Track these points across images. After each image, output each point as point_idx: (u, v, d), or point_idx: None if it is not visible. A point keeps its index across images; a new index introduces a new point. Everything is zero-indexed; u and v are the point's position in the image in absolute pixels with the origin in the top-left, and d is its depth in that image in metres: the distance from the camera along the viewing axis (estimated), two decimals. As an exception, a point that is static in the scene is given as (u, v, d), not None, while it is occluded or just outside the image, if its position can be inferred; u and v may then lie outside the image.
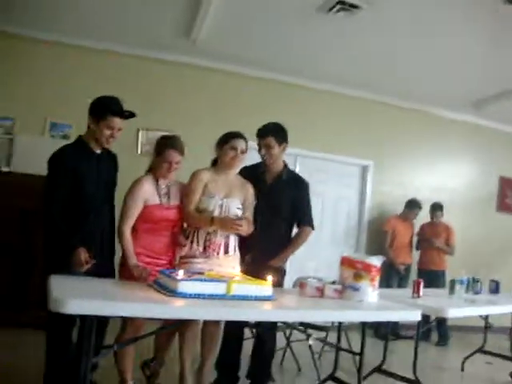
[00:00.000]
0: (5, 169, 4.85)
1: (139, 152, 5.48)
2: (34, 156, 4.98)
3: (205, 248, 3.09)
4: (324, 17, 4.34)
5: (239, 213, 3.16)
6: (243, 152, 3.19)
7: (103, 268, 2.88)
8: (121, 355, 2.83)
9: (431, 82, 5.75)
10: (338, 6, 4.12)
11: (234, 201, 3.16)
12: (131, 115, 2.93)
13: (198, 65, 5.70)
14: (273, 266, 3.31)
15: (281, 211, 3.44)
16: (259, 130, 3.47)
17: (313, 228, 3.56)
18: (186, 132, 5.44)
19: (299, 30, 4.71)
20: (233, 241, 3.16)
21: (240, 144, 3.18)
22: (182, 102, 5.68)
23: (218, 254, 3.09)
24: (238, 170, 3.34)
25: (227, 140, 3.20)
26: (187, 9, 4.45)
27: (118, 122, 2.87)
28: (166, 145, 3.05)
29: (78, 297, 2.00)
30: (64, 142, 4.92)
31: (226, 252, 3.12)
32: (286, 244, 3.49)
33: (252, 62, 5.67)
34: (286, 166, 3.56)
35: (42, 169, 4.55)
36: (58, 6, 4.60)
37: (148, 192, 3.01)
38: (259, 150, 3.48)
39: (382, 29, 4.52)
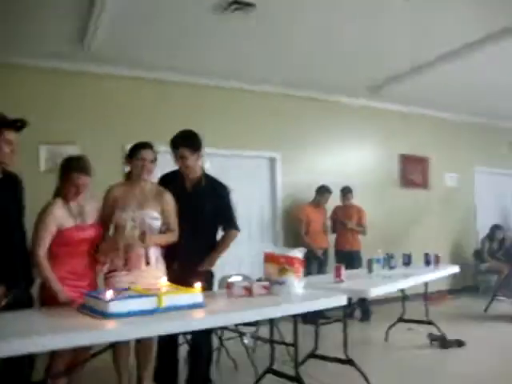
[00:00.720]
0: None
1: (42, 168, 5.20)
2: None
3: (126, 261, 3.06)
4: (221, 16, 4.36)
5: (155, 223, 3.15)
6: (152, 161, 3.20)
7: (20, 298, 2.73)
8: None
9: (328, 70, 5.93)
10: (234, 6, 4.16)
11: (148, 212, 3.14)
12: (23, 124, 2.76)
13: (94, 72, 5.48)
14: (201, 271, 3.33)
15: (203, 217, 3.44)
16: (171, 142, 3.44)
17: (238, 230, 3.64)
18: (90, 141, 5.32)
19: (196, 30, 4.68)
20: (153, 252, 3.13)
21: (147, 154, 3.18)
22: (82, 111, 5.44)
23: (138, 266, 3.06)
24: (152, 179, 3.31)
25: (134, 152, 3.19)
26: (80, 16, 4.28)
27: (14, 135, 2.72)
28: (72, 168, 2.95)
29: (3, 337, 1.88)
30: None
31: (148, 263, 3.10)
32: (212, 248, 3.52)
33: (151, 66, 5.57)
34: (203, 172, 3.56)
35: None
36: None
37: (60, 217, 2.90)
38: (175, 161, 3.45)
39: (276, 24, 4.61)
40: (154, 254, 3.15)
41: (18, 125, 2.75)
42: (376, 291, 3.48)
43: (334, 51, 5.33)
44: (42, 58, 5.18)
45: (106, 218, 3.16)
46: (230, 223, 3.58)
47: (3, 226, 2.71)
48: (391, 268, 4.58)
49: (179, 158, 3.40)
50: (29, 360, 2.04)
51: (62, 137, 5.23)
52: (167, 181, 3.46)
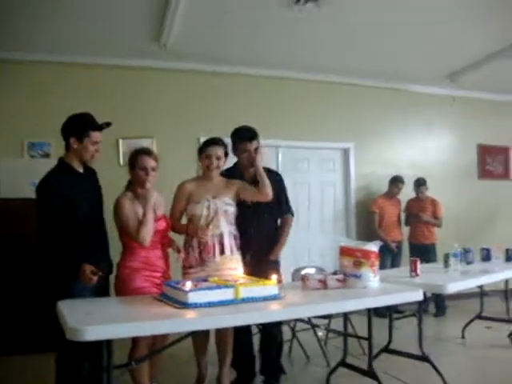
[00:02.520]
0: (-8, 196, 4.78)
1: (121, 163, 5.43)
2: (16, 179, 4.94)
3: (200, 252, 3.15)
4: (292, 8, 4.35)
5: (229, 209, 3.24)
6: (219, 158, 3.25)
7: (102, 285, 2.94)
8: (136, 371, 2.84)
9: (404, 59, 5.79)
10: (305, -3, 4.15)
11: (222, 199, 3.22)
12: (107, 125, 2.98)
13: (170, 68, 5.65)
14: (271, 262, 3.39)
15: (266, 207, 3.47)
16: (246, 134, 3.48)
17: (293, 215, 3.70)
18: (166, 135, 5.50)
19: (269, 23, 4.72)
20: (228, 241, 3.20)
21: (215, 151, 3.23)
22: (158, 106, 5.65)
23: (213, 255, 3.14)
24: (218, 174, 3.36)
25: (203, 148, 3.28)
26: (155, 14, 4.42)
27: (99, 136, 2.93)
28: (138, 153, 3.07)
29: (94, 323, 2.01)
30: (44, 161, 5.03)
31: (222, 253, 3.17)
32: (275, 236, 3.58)
33: (225, 60, 5.66)
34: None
35: (27, 191, 4.58)
36: (25, 25, 4.54)
37: (131, 209, 2.99)
38: (241, 152, 3.49)
39: (350, 14, 4.55)
40: (229, 243, 3.22)
41: (104, 126, 2.95)
42: (454, 287, 3.37)
43: (410, 39, 5.18)
44: (119, 56, 5.41)
45: (178, 211, 3.27)
46: (286, 209, 3.66)
47: (91, 212, 2.90)
48: (469, 263, 4.41)
49: (253, 149, 3.44)
50: (108, 345, 2.14)
51: (140, 131, 5.46)
52: (228, 176, 3.52)
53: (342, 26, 4.81)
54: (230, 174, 3.53)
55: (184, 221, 3.36)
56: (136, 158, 3.04)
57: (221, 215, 3.19)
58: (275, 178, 3.61)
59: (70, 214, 2.78)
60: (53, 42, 4.98)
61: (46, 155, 5.24)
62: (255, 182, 3.43)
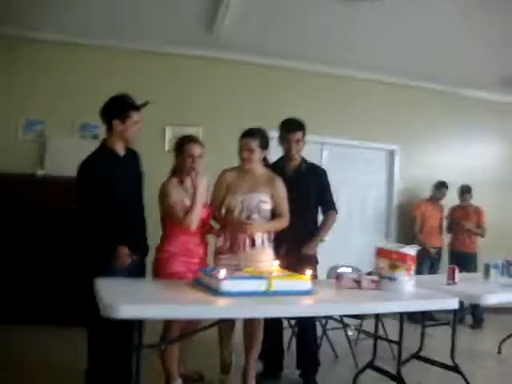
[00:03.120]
0: (40, 172, 4.95)
1: (167, 149, 5.53)
2: (66, 158, 5.09)
3: (231, 245, 3.19)
4: (347, 4, 4.31)
5: (263, 206, 3.21)
6: (251, 151, 3.20)
7: (138, 267, 3.00)
8: (166, 354, 2.90)
9: (457, 62, 5.67)
10: (362, -7, 4.10)
11: (256, 195, 3.20)
12: (145, 104, 3.00)
13: (222, 58, 5.72)
14: (307, 257, 3.39)
15: (306, 201, 3.52)
16: (290, 125, 3.52)
17: (336, 212, 3.68)
18: (213, 126, 5.57)
19: (323, 19, 4.70)
20: (259, 235, 3.20)
21: (247, 143, 3.21)
22: (207, 96, 5.73)
23: (243, 248, 3.16)
24: (259, 168, 3.33)
25: (239, 140, 3.25)
26: (208, 2, 4.46)
27: (140, 115, 2.98)
28: (185, 140, 3.13)
29: (129, 302, 2.07)
30: (94, 142, 5.06)
31: (253, 245, 3.18)
32: (315, 231, 3.59)
33: (276, 53, 5.65)
34: (302, 158, 3.64)
35: (74, 170, 4.73)
36: (82, 8, 4.67)
37: (175, 194, 3.06)
38: (283, 143, 3.52)
39: (405, 12, 4.47)
40: (260, 236, 3.21)
41: (142, 106, 2.99)
42: (492, 298, 3.28)
43: (462, 44, 5.06)
44: (171, 44, 5.50)
45: (217, 200, 3.28)
46: (329, 204, 3.66)
47: (130, 196, 2.96)
48: (511, 276, 4.28)
49: (296, 140, 3.47)
50: (139, 325, 2.21)
51: (187, 119, 5.54)
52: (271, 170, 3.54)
53: (399, 26, 4.75)
54: (274, 165, 3.56)
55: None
56: (183, 145, 3.10)
57: (253, 211, 3.19)
58: (319, 173, 3.65)
59: (108, 198, 2.84)
60: (102, 27, 5.10)
61: (96, 136, 5.37)
62: (296, 175, 3.46)
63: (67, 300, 4.62)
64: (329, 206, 3.65)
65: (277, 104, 5.80)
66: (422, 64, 5.75)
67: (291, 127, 3.51)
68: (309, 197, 3.53)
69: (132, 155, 3.11)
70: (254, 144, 3.20)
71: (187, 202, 3.04)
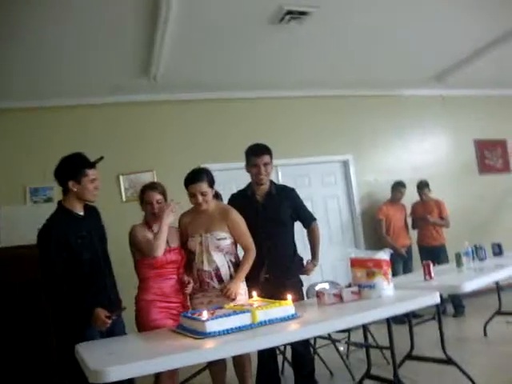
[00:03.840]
0: (-4, 245, 4.78)
1: (124, 199, 5.46)
2: (20, 226, 4.95)
3: (200, 284, 3.18)
4: (277, 28, 4.41)
5: (222, 243, 3.20)
6: (204, 194, 3.18)
7: (116, 325, 2.88)
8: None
9: (391, 65, 5.83)
10: (288, 16, 4.20)
11: (214, 234, 3.19)
12: (100, 160, 2.95)
13: (163, 100, 5.72)
14: (291, 281, 3.42)
15: (281, 223, 3.55)
16: (256, 149, 3.56)
17: (315, 220, 3.79)
18: (166, 168, 5.52)
19: (254, 44, 4.77)
20: (224, 272, 3.19)
21: (196, 189, 3.18)
22: (156, 139, 5.70)
23: (212, 287, 3.16)
24: (212, 204, 3.30)
25: (186, 186, 3.23)
26: (140, 48, 4.48)
27: (96, 173, 2.91)
28: (145, 189, 3.21)
29: (115, 363, 2.00)
30: (47, 206, 5.02)
31: (220, 281, 3.17)
32: (294, 253, 3.61)
33: (215, 86, 5.70)
34: (271, 181, 3.66)
35: (31, 237, 4.57)
36: (13, 73, 4.59)
37: (144, 234, 3.08)
38: (251, 168, 3.54)
39: (334, 27, 4.61)
40: (227, 273, 3.20)
41: (97, 162, 2.94)
42: (470, 285, 3.33)
43: (395, 43, 5.21)
44: (111, 94, 5.46)
45: (182, 244, 3.27)
46: (308, 218, 3.74)
47: (95, 255, 2.88)
48: (481, 260, 4.38)
49: (263, 164, 3.49)
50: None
51: (140, 166, 5.50)
52: (238, 199, 3.55)
53: (326, 40, 4.87)
54: (241, 194, 3.61)
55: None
56: (143, 194, 3.19)
57: (213, 250, 3.18)
58: (289, 191, 3.69)
59: (73, 260, 2.76)
60: (42, 87, 5.02)
61: (49, 200, 5.25)
62: (267, 199, 3.50)
63: (47, 373, 4.43)
64: (308, 220, 3.72)
65: (225, 136, 5.85)
66: (359, 72, 5.90)
67: (258, 151, 3.53)
68: (284, 219, 3.56)
69: (91, 212, 3.04)
70: (205, 186, 3.19)
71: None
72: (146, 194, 3.17)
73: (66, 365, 2.63)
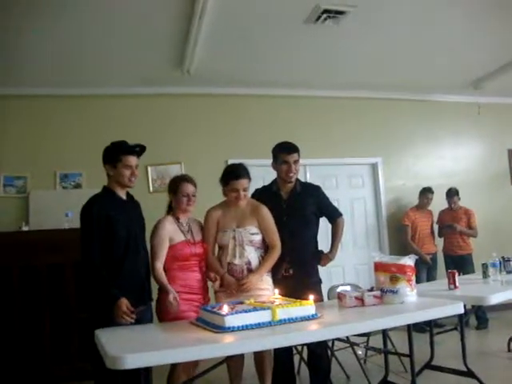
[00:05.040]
0: (24, 228, 4.87)
1: (151, 190, 5.52)
2: (49, 210, 5.05)
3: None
4: (312, 27, 4.38)
5: (255, 238, 3.24)
6: (246, 190, 3.25)
7: (144, 313, 2.92)
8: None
9: (428, 70, 5.74)
10: (325, 15, 4.16)
11: (247, 228, 3.23)
12: (141, 149, 3.01)
13: (195, 93, 5.75)
14: (311, 280, 3.41)
15: (306, 221, 3.54)
16: (287, 147, 3.55)
17: (342, 215, 3.76)
18: (194, 161, 5.55)
19: (290, 43, 4.75)
20: (256, 264, 3.21)
21: (241, 184, 3.22)
22: (186, 132, 5.74)
23: (225, 273, 3.18)
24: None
25: (227, 181, 3.25)
26: (176, 41, 4.50)
27: (132, 159, 2.95)
28: (179, 180, 3.21)
29: (133, 351, 2.01)
30: (76, 192, 5.14)
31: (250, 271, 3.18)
32: (314, 252, 3.59)
33: (248, 82, 5.69)
34: (297, 179, 3.66)
35: (60, 221, 4.68)
36: (52, 60, 4.68)
37: (171, 231, 3.10)
38: (281, 166, 3.52)
39: (371, 28, 4.55)
40: (255, 265, 3.21)
41: (137, 150, 2.97)
42: (496, 298, 3.26)
43: (432, 49, 5.13)
44: (144, 85, 5.52)
45: (209, 240, 3.28)
46: (335, 213, 3.72)
47: (132, 237, 2.91)
48: (509, 272, 4.28)
49: (294, 161, 3.48)
50: (146, 372, 2.15)
51: (168, 157, 5.55)
52: (262, 195, 3.54)
53: (364, 41, 4.81)
54: (266, 190, 3.61)
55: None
56: (178, 185, 3.18)
57: (246, 244, 3.21)
58: (314, 189, 3.69)
59: (110, 236, 2.81)
60: (76, 76, 5.11)
61: (78, 186, 5.34)
62: (291, 196, 3.51)
63: (67, 355, 4.51)
64: (333, 215, 3.71)
65: (255, 133, 5.85)
66: (394, 75, 5.82)
67: (290, 149, 3.53)
68: (308, 216, 3.54)
69: (133, 201, 3.11)
70: (247, 182, 3.25)
71: (182, 238, 3.10)
72: (183, 185, 3.17)
73: (89, 348, 2.64)
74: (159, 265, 3.01)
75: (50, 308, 4.59)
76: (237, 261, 3.18)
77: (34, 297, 4.57)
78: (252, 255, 3.22)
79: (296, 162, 3.51)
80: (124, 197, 3.00)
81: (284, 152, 3.52)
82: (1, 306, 4.51)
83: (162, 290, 3.00)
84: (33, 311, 4.56)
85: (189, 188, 3.17)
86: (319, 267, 3.61)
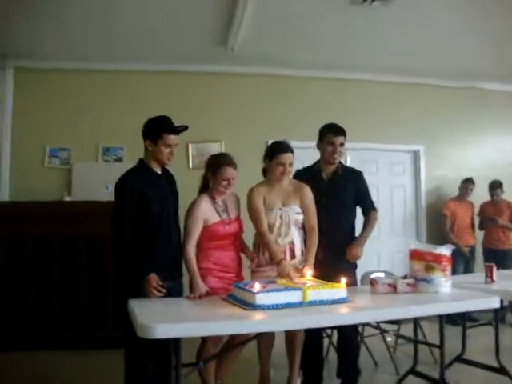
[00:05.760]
0: (67, 198, 5.02)
1: (191, 166, 5.58)
2: (91, 182, 5.18)
3: (271, 257, 3.16)
4: (359, 8, 4.29)
5: (299, 218, 3.23)
6: (291, 165, 3.24)
7: (174, 287, 2.94)
8: (204, 369, 2.86)
9: (475, 57, 5.55)
10: (373, -4, 4.07)
11: (292, 208, 3.23)
12: (184, 129, 2.99)
13: (238, 72, 5.75)
14: (346, 264, 3.37)
15: (344, 204, 3.51)
16: (335, 128, 3.52)
17: (376, 210, 3.65)
18: (234, 140, 5.58)
19: (335, 24, 4.67)
20: (299, 245, 3.21)
21: (287, 158, 3.21)
22: (227, 110, 5.75)
23: (284, 259, 3.14)
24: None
25: (274, 155, 3.23)
26: (221, 18, 4.48)
27: (173, 138, 2.95)
28: (221, 162, 3.11)
29: (164, 321, 2.07)
30: (117, 166, 5.23)
31: (293, 257, 3.18)
32: (350, 236, 3.54)
33: (291, 63, 5.64)
34: (340, 162, 3.62)
35: (100, 194, 4.80)
36: (94, 35, 4.75)
37: (207, 212, 3.07)
38: (327, 146, 3.49)
39: (419, 11, 4.41)
40: (300, 249, 3.22)
41: (180, 129, 2.97)
42: (535, 294, 3.19)
43: (476, 35, 4.94)
44: (187, 62, 5.54)
45: (260, 217, 3.21)
46: (369, 205, 3.63)
47: (164, 222, 2.93)
48: (550, 269, 4.18)
49: (340, 144, 3.47)
50: (176, 344, 2.19)
51: (209, 135, 5.58)
52: (303, 176, 3.52)
53: (411, 24, 4.68)
54: (308, 170, 3.59)
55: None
56: (219, 167, 3.09)
57: (292, 224, 3.21)
58: (356, 175, 3.64)
59: (143, 210, 2.84)
60: (121, 50, 5.19)
61: (119, 159, 5.44)
62: (332, 178, 3.48)
63: (102, 323, 4.67)
64: (368, 207, 3.62)
65: (295, 114, 5.81)
66: (439, 60, 5.65)
67: (338, 131, 3.50)
68: (347, 200, 3.52)
69: (169, 175, 3.13)
70: (292, 157, 3.24)
71: (217, 219, 3.08)
72: (225, 169, 3.07)
73: (122, 318, 2.70)
74: (190, 249, 3.00)
75: (88, 277, 4.74)
76: (281, 241, 3.17)
77: (72, 266, 4.74)
78: (296, 236, 3.22)
79: (342, 144, 3.48)
80: (159, 171, 3.02)
81: (331, 133, 3.48)
82: (40, 273, 4.70)
83: (197, 268, 3.00)
84: (71, 280, 4.73)
85: (230, 173, 3.09)
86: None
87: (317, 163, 3.63)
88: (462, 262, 5.74)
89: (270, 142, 3.55)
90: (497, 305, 2.81)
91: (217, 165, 3.11)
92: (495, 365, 3.42)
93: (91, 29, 4.63)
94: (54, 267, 4.71)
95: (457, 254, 5.52)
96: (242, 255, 3.28)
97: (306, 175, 3.51)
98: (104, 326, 4.65)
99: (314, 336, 3.38)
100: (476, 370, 3.58)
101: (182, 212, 3.14)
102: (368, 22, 4.60)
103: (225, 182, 3.09)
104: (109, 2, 4.13)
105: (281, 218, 3.19)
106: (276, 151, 3.23)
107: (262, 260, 3.21)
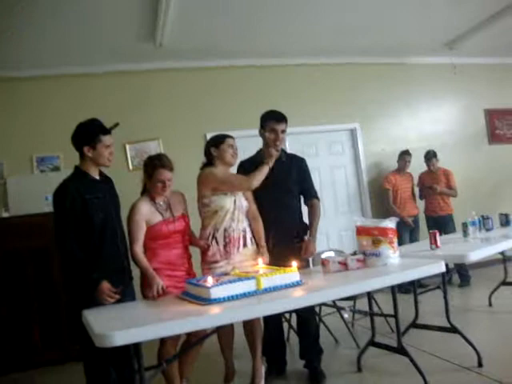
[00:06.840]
0: (4, 214, 4.80)
1: (131, 168, 5.47)
2: (29, 195, 4.98)
3: (225, 246, 3.15)
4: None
5: (245, 204, 3.27)
6: (236, 149, 3.31)
7: (126, 291, 2.91)
8: (167, 369, 2.84)
9: (400, 31, 5.69)
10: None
11: (240, 194, 3.25)
12: (116, 125, 2.97)
13: (169, 68, 5.67)
14: (297, 247, 3.41)
15: (289, 190, 3.53)
16: (277, 115, 3.52)
17: (319, 199, 3.68)
18: (172, 137, 5.51)
19: (263, 10, 4.67)
20: (249, 233, 3.24)
21: (234, 142, 3.30)
22: (162, 107, 5.67)
23: (238, 249, 3.16)
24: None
25: (224, 139, 3.26)
26: (146, 13, 4.39)
27: (110, 138, 2.91)
28: (155, 165, 3.07)
29: (122, 328, 2.02)
30: (55, 175, 5.06)
31: (245, 245, 3.20)
32: (301, 220, 3.59)
33: (222, 53, 5.64)
34: (282, 148, 3.63)
35: (41, 205, 4.63)
36: (21, 42, 4.56)
37: (147, 213, 3.04)
38: (269, 133, 3.48)
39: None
40: (250, 236, 3.24)
41: (112, 128, 2.93)
42: (476, 255, 3.32)
43: (404, 10, 5.07)
44: (119, 61, 5.42)
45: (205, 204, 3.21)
46: (311, 192, 3.65)
47: (107, 219, 2.87)
48: (488, 230, 4.37)
49: (281, 131, 3.48)
50: (136, 348, 2.16)
51: (146, 134, 5.49)
52: (248, 166, 3.51)
53: (335, 5, 4.76)
54: (252, 160, 3.57)
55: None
56: (153, 170, 3.05)
57: (241, 212, 3.22)
58: (299, 161, 3.66)
59: (86, 218, 2.77)
60: (48, 56, 5.00)
61: (56, 168, 5.27)
62: (276, 165, 3.42)
63: (57, 338, 4.52)
64: (311, 194, 3.63)
65: (232, 105, 5.81)
66: (367, 38, 5.77)
67: (279, 118, 3.50)
68: (292, 186, 3.54)
69: (107, 179, 3.06)
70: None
71: (159, 218, 3.04)
72: (159, 172, 3.03)
73: (77, 330, 2.64)
74: (138, 249, 2.97)
75: (37, 292, 4.57)
76: (235, 226, 3.16)
77: (20, 282, 4.55)
78: (245, 223, 3.24)
79: (283, 131, 3.50)
80: (97, 177, 2.96)
81: (272, 120, 3.49)
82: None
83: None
84: (19, 296, 4.54)
85: (164, 174, 3.05)
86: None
87: (259, 152, 3.62)
88: (407, 232, 5.94)
89: (208, 135, 3.54)
90: (443, 269, 2.92)
91: (152, 167, 3.08)
92: (447, 325, 3.57)
93: (12, 35, 4.44)
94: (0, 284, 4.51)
95: (401, 226, 5.70)
96: (196, 249, 3.25)
97: (251, 165, 3.46)
98: (60, 341, 4.51)
99: (273, 322, 3.42)
100: (430, 333, 3.71)
101: (124, 214, 3.08)
102: (291, 5, 4.63)
103: (160, 185, 3.05)
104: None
105: (234, 203, 3.19)
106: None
107: (216, 254, 3.16)
